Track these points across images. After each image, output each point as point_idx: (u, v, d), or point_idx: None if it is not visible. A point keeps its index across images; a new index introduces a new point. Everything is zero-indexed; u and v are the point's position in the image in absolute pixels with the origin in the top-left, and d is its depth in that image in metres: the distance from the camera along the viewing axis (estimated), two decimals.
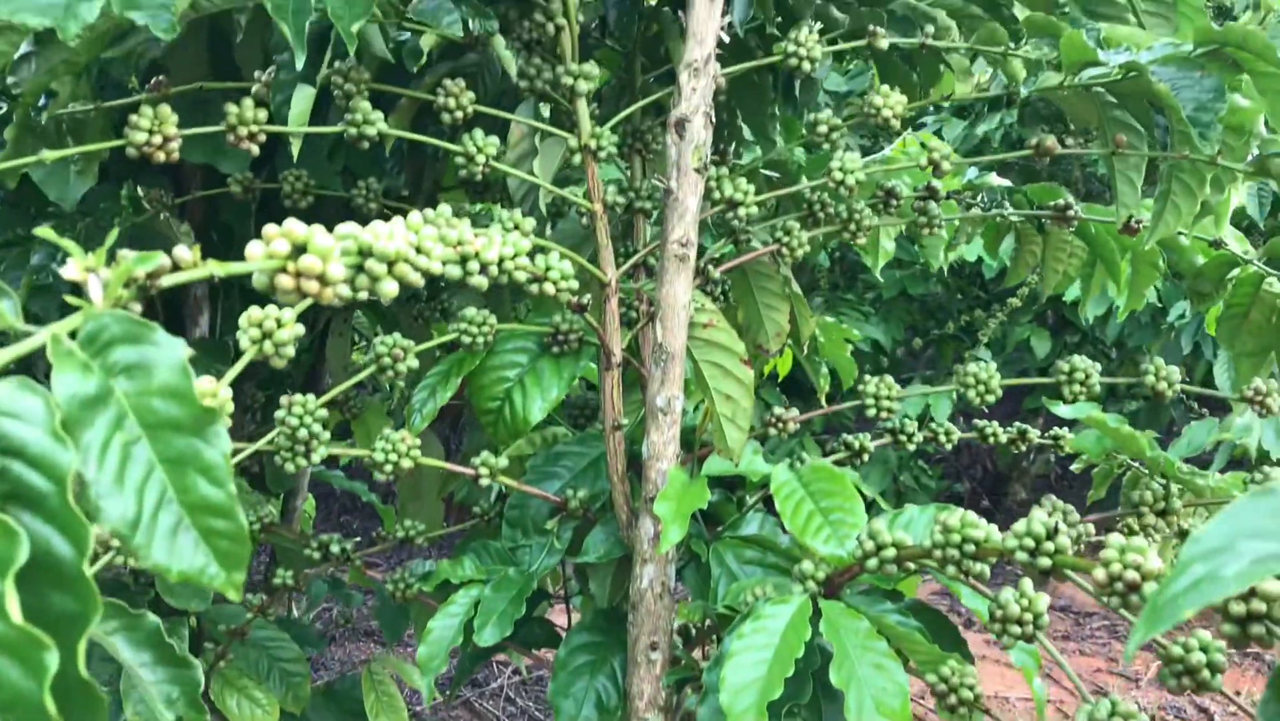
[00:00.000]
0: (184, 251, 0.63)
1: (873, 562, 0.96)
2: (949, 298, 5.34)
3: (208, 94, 1.31)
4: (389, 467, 1.18)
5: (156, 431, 0.51)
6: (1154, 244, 1.36)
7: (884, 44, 1.26)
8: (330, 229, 1.59)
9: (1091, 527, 1.40)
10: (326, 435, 1.14)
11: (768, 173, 1.62)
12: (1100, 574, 0.76)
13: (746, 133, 1.59)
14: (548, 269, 1.08)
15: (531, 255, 1.06)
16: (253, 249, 0.66)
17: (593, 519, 1.32)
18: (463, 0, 1.14)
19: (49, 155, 0.90)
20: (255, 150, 1.06)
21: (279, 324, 0.82)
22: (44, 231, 0.58)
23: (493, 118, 1.25)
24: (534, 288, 1.06)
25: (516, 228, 1.12)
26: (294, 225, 0.67)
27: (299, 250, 0.67)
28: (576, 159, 1.22)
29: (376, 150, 1.28)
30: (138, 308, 0.59)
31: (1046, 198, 1.53)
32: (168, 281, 0.61)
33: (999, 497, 5.61)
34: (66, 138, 1.10)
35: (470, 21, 1.14)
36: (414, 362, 1.20)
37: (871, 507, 1.34)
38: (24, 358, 0.51)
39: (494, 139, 1.16)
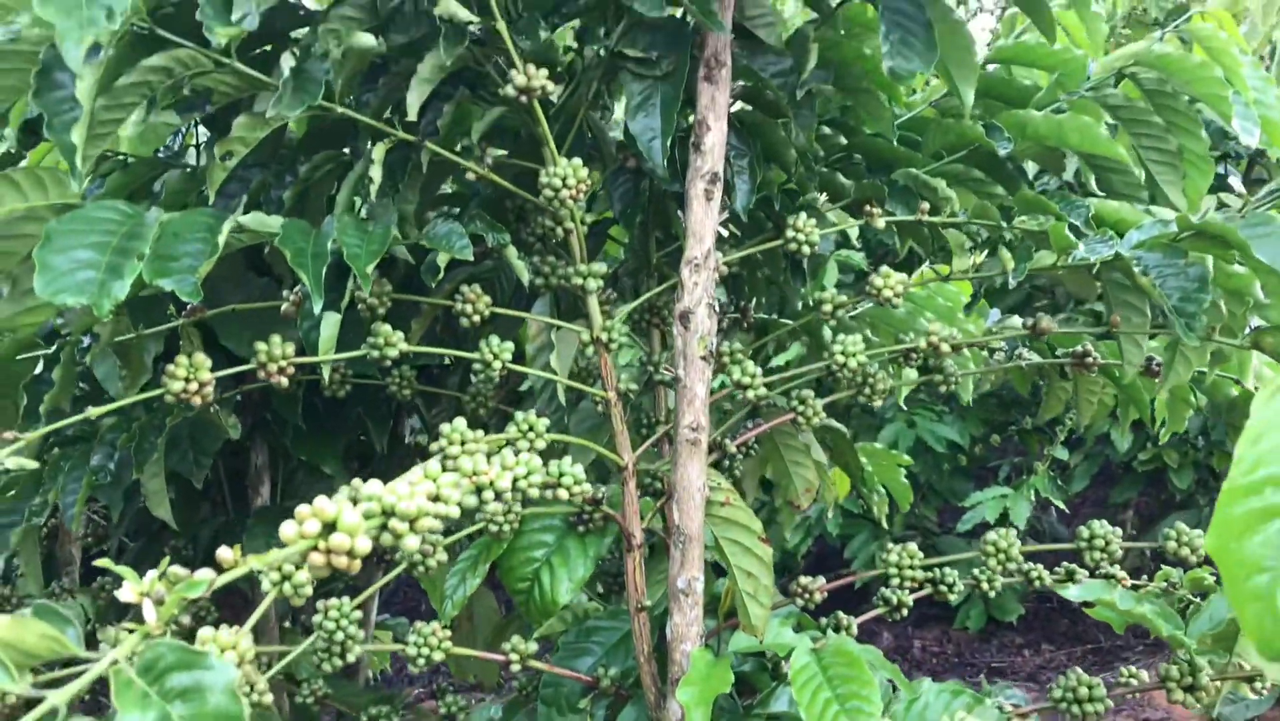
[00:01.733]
0: (226, 552, 0.71)
1: None
2: (1028, 391, 5.22)
3: (248, 277, 1.41)
4: (421, 662, 1.22)
5: None
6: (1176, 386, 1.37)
7: (880, 223, 1.30)
8: (370, 412, 1.65)
9: (1145, 675, 1.42)
10: (360, 634, 1.19)
11: (787, 321, 1.65)
12: None
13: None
14: (561, 475, 1.13)
15: (545, 460, 1.12)
16: (286, 530, 0.73)
17: (626, 695, 1.34)
18: (476, 216, 1.22)
19: (93, 412, 0.99)
20: (285, 382, 1.14)
21: (297, 567, 0.88)
22: (103, 562, 0.66)
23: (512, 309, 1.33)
24: (548, 494, 1.11)
25: (531, 429, 1.17)
26: (323, 504, 0.74)
27: (329, 527, 0.73)
28: (590, 350, 1.28)
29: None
30: (187, 620, 0.67)
31: (1068, 344, 1.54)
32: (214, 587, 0.68)
33: None
34: (114, 361, 1.20)
35: (486, 236, 1.21)
36: (443, 556, 1.25)
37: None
38: None
39: (509, 344, 1.23)
